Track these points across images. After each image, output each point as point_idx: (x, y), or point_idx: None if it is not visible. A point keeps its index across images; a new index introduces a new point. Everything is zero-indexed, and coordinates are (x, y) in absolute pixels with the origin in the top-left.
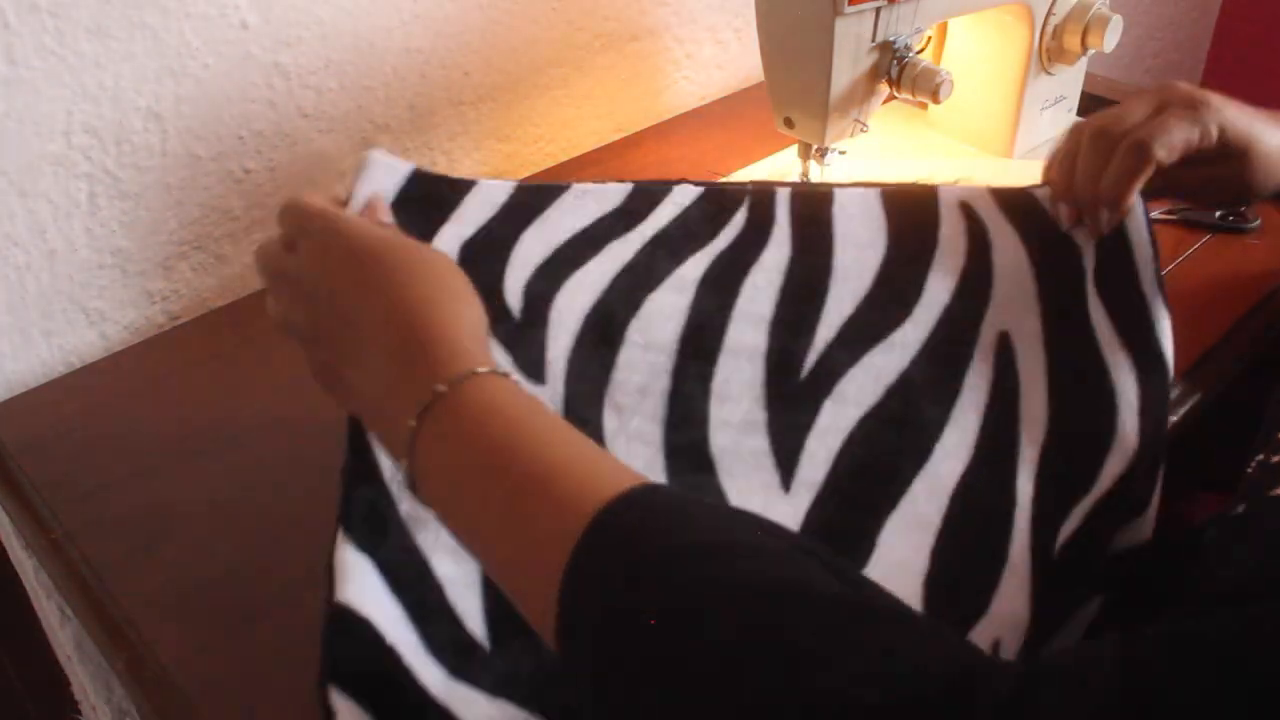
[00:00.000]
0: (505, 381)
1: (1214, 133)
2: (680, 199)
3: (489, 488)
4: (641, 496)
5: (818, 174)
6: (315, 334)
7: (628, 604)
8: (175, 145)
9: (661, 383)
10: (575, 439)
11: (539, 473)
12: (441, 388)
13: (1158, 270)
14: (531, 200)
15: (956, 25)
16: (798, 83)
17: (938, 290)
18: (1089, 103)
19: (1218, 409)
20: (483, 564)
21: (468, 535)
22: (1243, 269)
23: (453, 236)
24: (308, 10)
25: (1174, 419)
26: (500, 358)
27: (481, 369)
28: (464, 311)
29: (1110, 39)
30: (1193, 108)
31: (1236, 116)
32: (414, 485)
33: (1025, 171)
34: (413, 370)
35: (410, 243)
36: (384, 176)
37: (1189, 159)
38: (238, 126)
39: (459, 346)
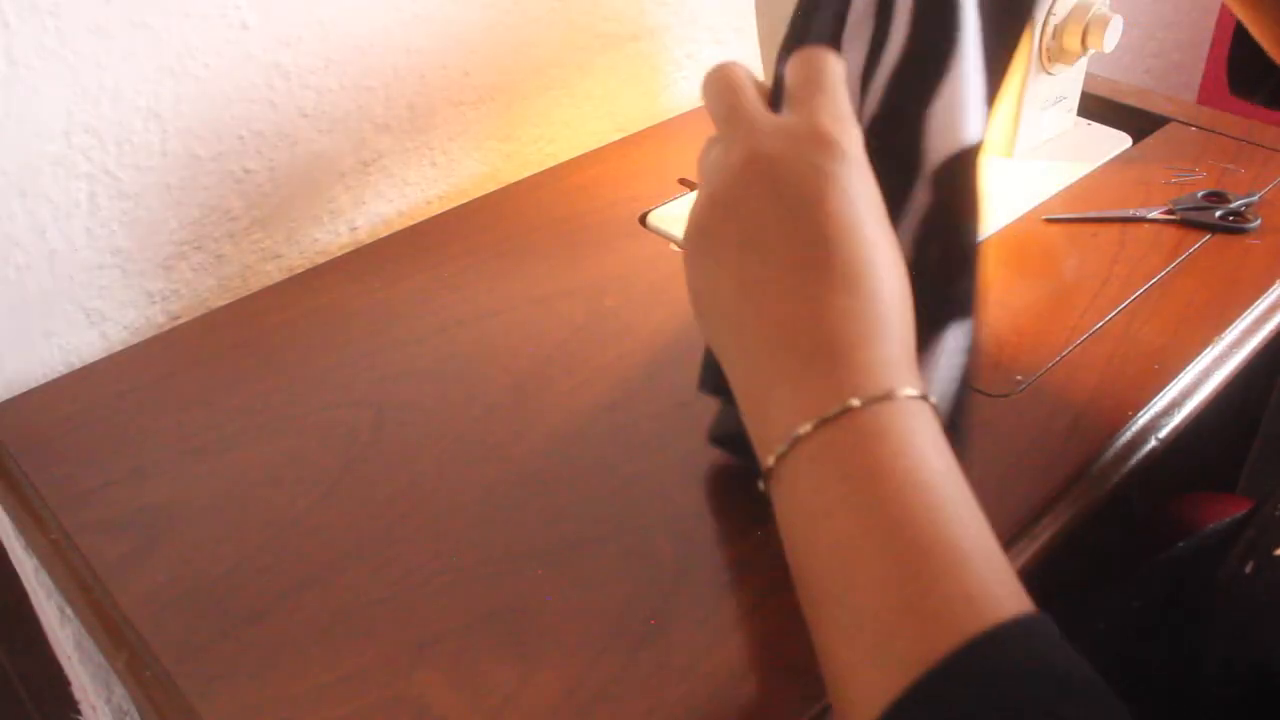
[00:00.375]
0: (927, 413)
1: None
2: None
3: (862, 540)
4: (1021, 632)
5: None
6: (712, 230)
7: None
8: (175, 145)
9: None
10: (976, 522)
11: (924, 552)
12: (855, 402)
13: None
14: None
15: None
16: None
17: None
18: (1089, 103)
19: (1217, 410)
20: (808, 603)
21: (811, 571)
22: (1243, 269)
23: None
24: (308, 10)
25: (1173, 420)
26: None
27: (907, 391)
28: (898, 306)
29: (1110, 39)
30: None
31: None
32: (767, 487)
33: (1025, 171)
34: (823, 364)
35: (855, 189)
36: None
37: None
38: (238, 126)
39: (887, 353)
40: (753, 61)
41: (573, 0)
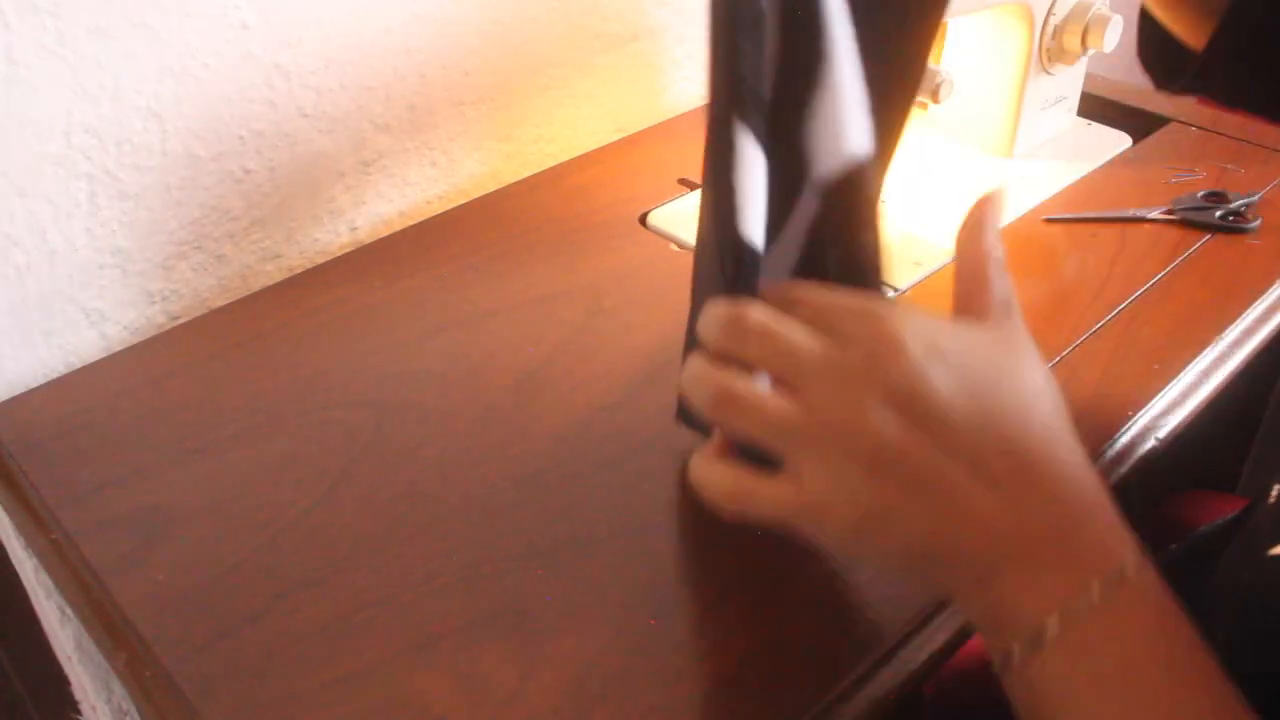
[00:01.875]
0: (1157, 587)
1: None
2: None
3: None
4: None
5: None
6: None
7: None
8: (175, 145)
9: None
10: (1213, 684)
11: None
12: (1095, 588)
13: None
14: None
15: (956, 25)
16: None
17: None
18: (1089, 103)
19: (1217, 410)
20: None
21: None
22: (1242, 269)
23: None
24: (308, 10)
25: (1173, 420)
26: None
27: (1132, 568)
28: (1085, 464)
29: (1110, 39)
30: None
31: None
32: (1011, 670)
33: (1025, 171)
34: (1069, 547)
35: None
36: None
37: None
38: (238, 126)
39: (1110, 523)
40: None
41: (573, 0)
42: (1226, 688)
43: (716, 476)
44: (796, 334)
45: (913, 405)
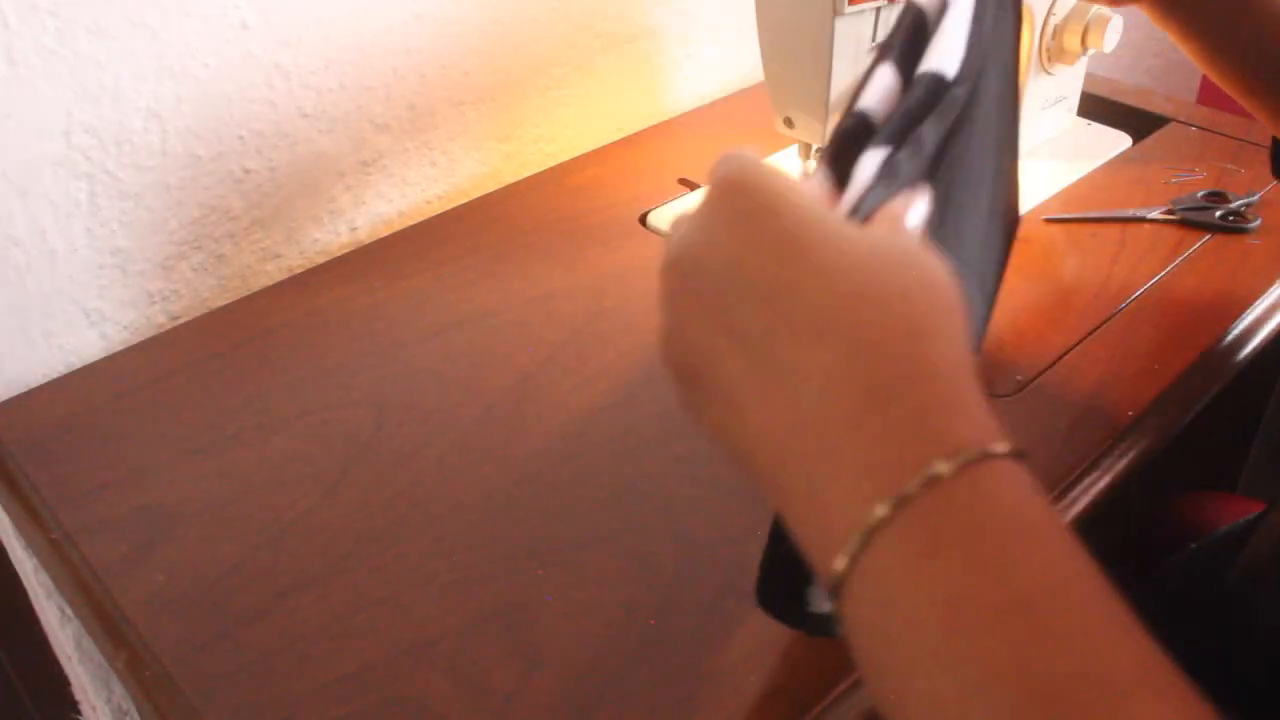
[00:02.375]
0: (1023, 472)
1: None
2: None
3: (977, 642)
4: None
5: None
6: (716, 349)
7: None
8: (175, 145)
9: None
10: (1097, 588)
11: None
12: (942, 467)
13: None
14: None
15: None
16: (798, 83)
17: None
18: (1089, 103)
19: (1217, 410)
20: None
21: (904, 685)
22: (1242, 269)
23: None
24: (308, 10)
25: (1173, 420)
26: None
27: (998, 448)
28: (963, 344)
29: (1110, 39)
30: None
31: None
32: (839, 597)
33: (1025, 171)
34: (893, 429)
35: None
36: None
37: None
38: (238, 126)
39: (968, 401)
40: (753, 61)
41: (573, 0)
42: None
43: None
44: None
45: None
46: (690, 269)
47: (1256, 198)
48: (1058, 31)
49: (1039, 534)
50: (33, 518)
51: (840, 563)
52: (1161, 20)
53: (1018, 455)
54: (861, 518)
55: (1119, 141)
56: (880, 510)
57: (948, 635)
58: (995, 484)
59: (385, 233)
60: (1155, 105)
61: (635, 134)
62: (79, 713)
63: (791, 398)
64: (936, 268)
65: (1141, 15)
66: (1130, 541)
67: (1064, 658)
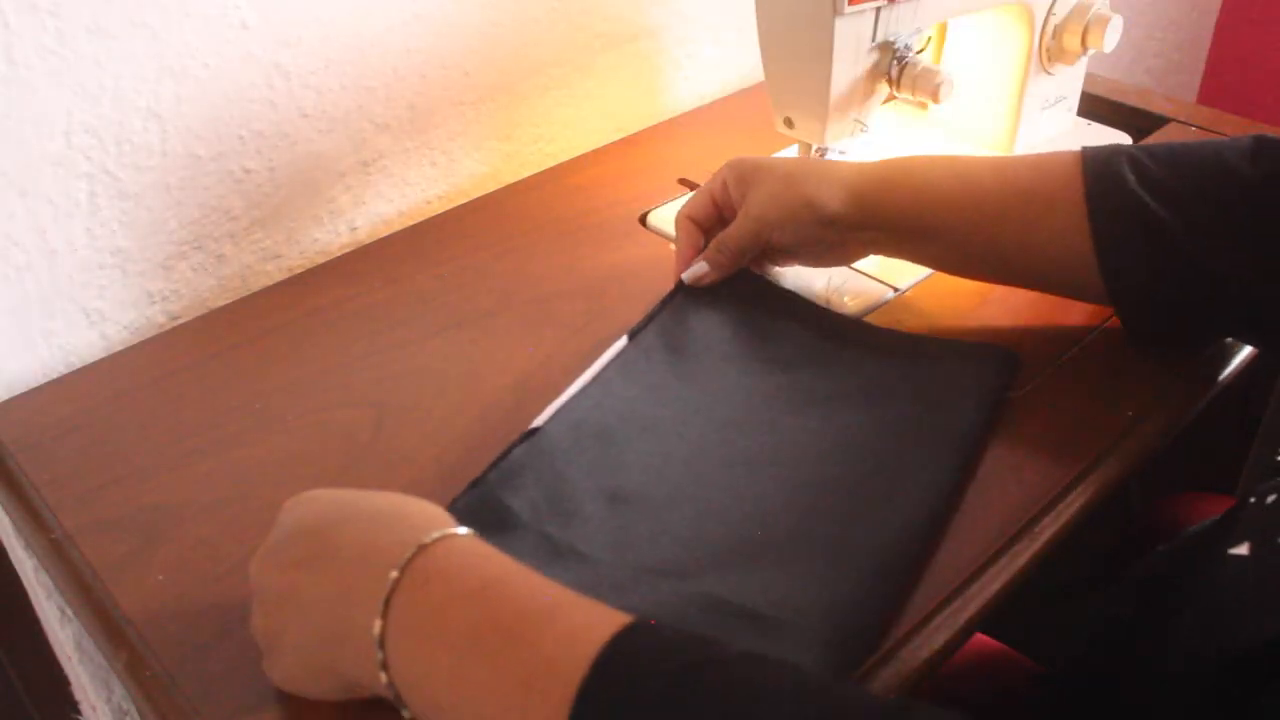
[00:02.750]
0: (471, 539)
1: (729, 177)
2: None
3: (471, 651)
4: (635, 633)
5: None
6: (265, 608)
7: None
8: (175, 145)
9: None
10: (550, 586)
11: (526, 619)
12: (410, 552)
13: None
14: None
15: (956, 25)
16: (798, 83)
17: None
18: (1089, 103)
19: (1215, 410)
20: None
21: (451, 699)
22: None
23: None
24: (308, 10)
25: (1173, 420)
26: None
27: (452, 530)
28: (410, 510)
29: (1110, 39)
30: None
31: (752, 157)
32: (394, 688)
33: None
34: (373, 559)
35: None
36: None
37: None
38: (238, 126)
39: (421, 518)
40: (753, 61)
41: (573, 0)
42: (540, 587)
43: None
44: None
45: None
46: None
47: None
48: (1058, 31)
49: (477, 572)
50: (33, 518)
51: (381, 675)
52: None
53: (466, 534)
54: (369, 634)
55: (1119, 141)
56: (373, 626)
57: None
58: (450, 550)
59: (385, 233)
60: (1155, 105)
61: (635, 134)
62: (79, 713)
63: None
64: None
65: (1141, 15)
66: (1131, 540)
67: (502, 606)
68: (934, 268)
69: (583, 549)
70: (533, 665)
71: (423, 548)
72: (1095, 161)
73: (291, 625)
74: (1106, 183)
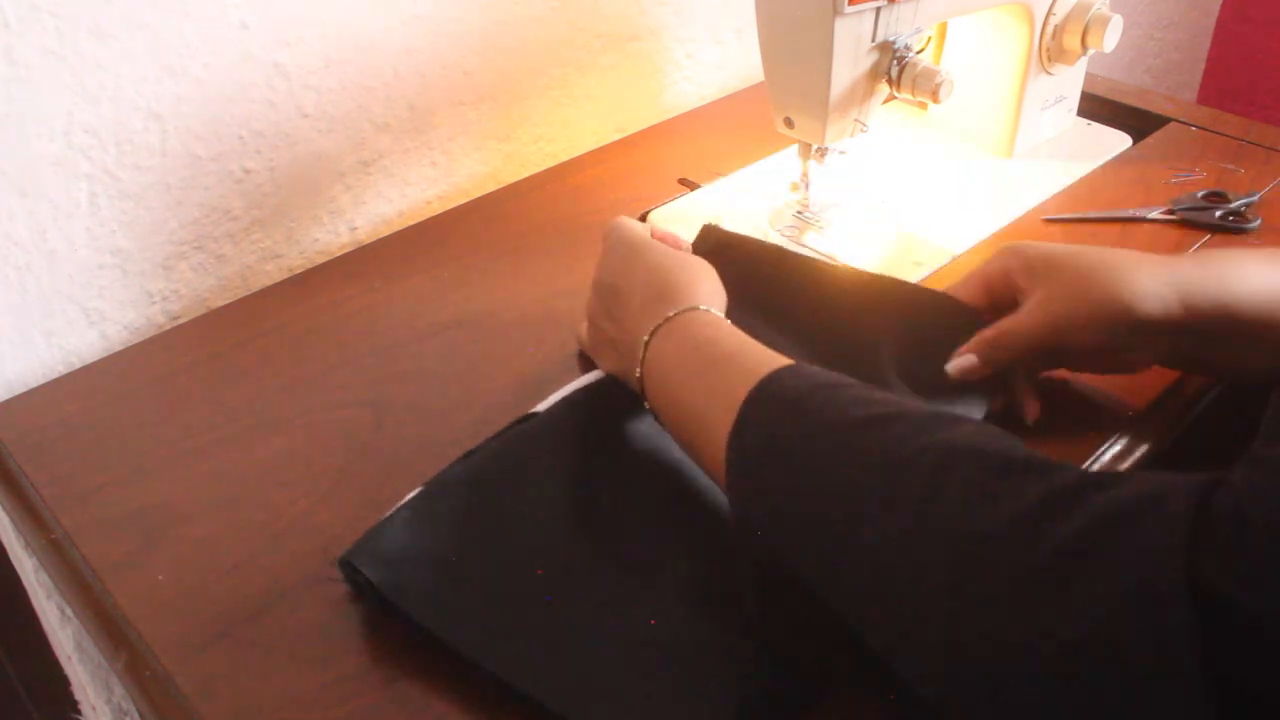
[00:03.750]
0: (705, 315)
1: (1012, 266)
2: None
3: (687, 374)
4: (789, 371)
5: (817, 173)
6: (601, 312)
7: (777, 430)
8: (175, 145)
9: None
10: (745, 342)
11: (717, 361)
12: (671, 313)
13: None
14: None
15: (956, 25)
16: (798, 83)
17: None
18: (1089, 103)
19: (1216, 410)
20: (681, 431)
21: (674, 412)
22: None
23: None
24: (308, 10)
25: (1173, 420)
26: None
27: (701, 307)
28: (703, 280)
29: (1110, 39)
30: (1000, 254)
31: (1039, 245)
32: (641, 387)
33: (1025, 171)
34: (654, 309)
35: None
36: None
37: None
38: (238, 126)
39: (690, 293)
40: (753, 61)
41: (572, 0)
42: (750, 346)
43: (580, 330)
44: None
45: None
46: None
47: (1256, 198)
48: (1058, 31)
49: (719, 328)
50: (33, 518)
51: (637, 370)
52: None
53: (709, 310)
54: (639, 350)
55: (1119, 141)
56: (646, 337)
57: (690, 371)
58: (692, 320)
59: (385, 233)
60: (1155, 105)
61: (635, 134)
62: (79, 713)
63: (618, 328)
64: (695, 260)
65: (1141, 15)
66: None
67: (715, 348)
68: (1243, 380)
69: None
70: (732, 382)
71: (682, 311)
72: None
73: (605, 322)
74: None
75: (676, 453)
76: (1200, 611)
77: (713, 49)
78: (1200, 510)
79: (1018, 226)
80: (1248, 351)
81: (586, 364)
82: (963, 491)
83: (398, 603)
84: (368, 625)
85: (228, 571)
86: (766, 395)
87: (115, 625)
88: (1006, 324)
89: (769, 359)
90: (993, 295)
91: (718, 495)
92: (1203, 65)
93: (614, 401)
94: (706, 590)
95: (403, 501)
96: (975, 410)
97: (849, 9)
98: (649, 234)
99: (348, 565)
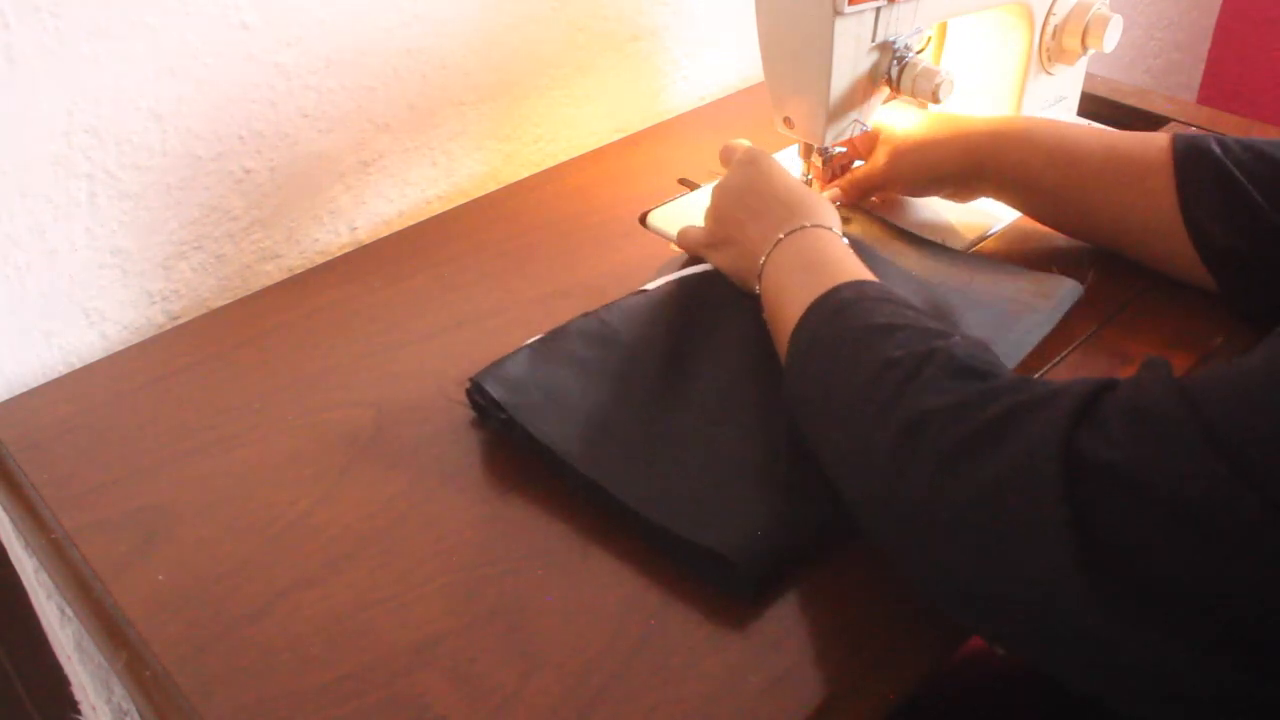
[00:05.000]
0: (825, 231)
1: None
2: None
3: (793, 274)
4: (850, 285)
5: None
6: (735, 210)
7: (820, 331)
8: (175, 145)
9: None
10: (844, 257)
11: (815, 267)
12: (800, 225)
13: None
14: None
15: (956, 25)
16: (798, 83)
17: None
18: (1089, 103)
19: None
20: (774, 319)
21: (773, 303)
22: None
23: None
24: (308, 10)
25: None
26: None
27: (818, 224)
28: (827, 207)
29: (1110, 39)
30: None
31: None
32: (760, 275)
33: None
34: (780, 224)
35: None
36: None
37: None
38: (238, 126)
39: (811, 214)
40: (753, 61)
41: (572, 0)
42: (852, 264)
43: (681, 231)
44: None
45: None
46: (724, 188)
47: None
48: (1058, 31)
49: (830, 244)
50: (33, 518)
51: (761, 266)
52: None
53: (825, 228)
54: (765, 251)
55: None
56: (773, 242)
57: (795, 271)
58: (807, 233)
59: (385, 233)
60: (1155, 105)
61: (635, 134)
62: (79, 713)
63: (748, 233)
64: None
65: (1141, 15)
66: None
67: (815, 255)
68: (1035, 219)
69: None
70: (812, 287)
71: (802, 228)
72: (1184, 138)
73: (734, 240)
74: (1195, 154)
75: (756, 340)
76: (1069, 470)
77: (712, 49)
78: (1090, 399)
79: (1018, 226)
80: (1031, 197)
81: None
82: (923, 385)
83: (514, 416)
84: (368, 625)
85: (228, 571)
86: (825, 302)
87: (115, 625)
88: (860, 171)
89: (848, 273)
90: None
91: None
92: (1203, 65)
93: (713, 290)
94: (763, 437)
95: (525, 343)
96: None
97: (849, 9)
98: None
99: (476, 387)
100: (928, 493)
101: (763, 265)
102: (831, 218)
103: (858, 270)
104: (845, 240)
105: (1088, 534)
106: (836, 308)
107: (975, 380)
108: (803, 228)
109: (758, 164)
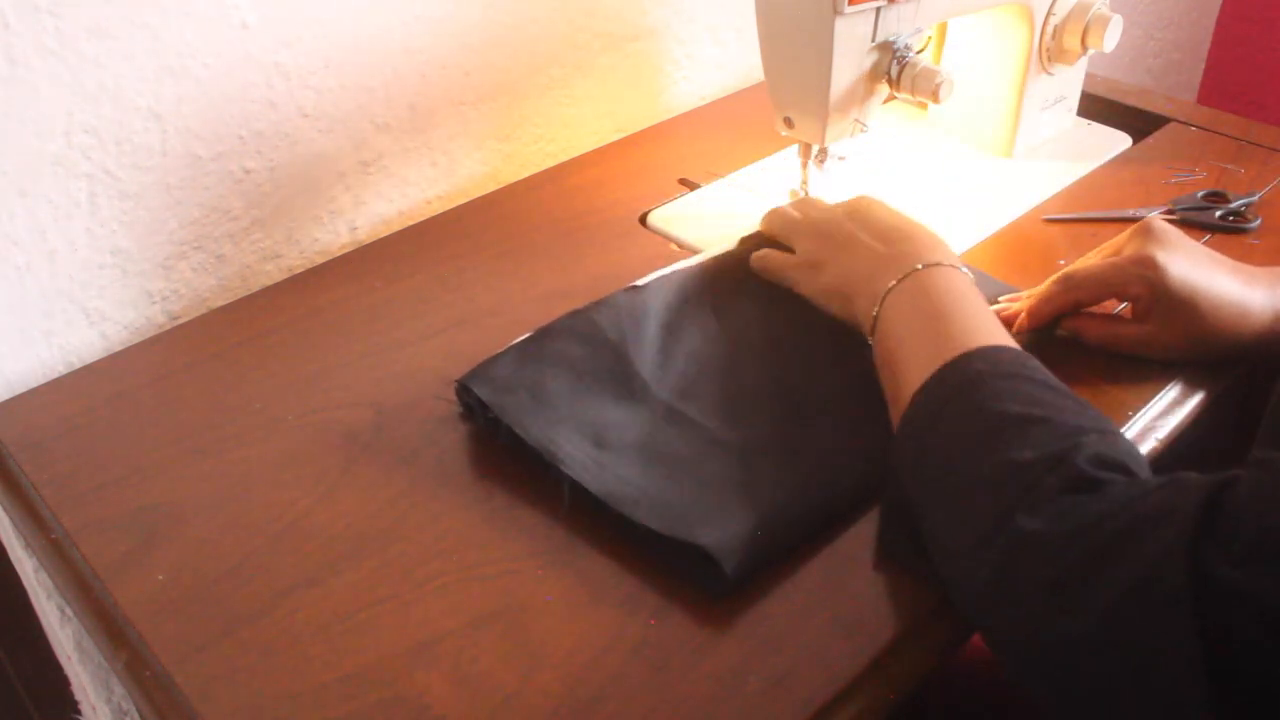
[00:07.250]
0: (954, 272)
1: (1144, 292)
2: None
3: (915, 320)
4: (981, 353)
5: (816, 177)
6: (833, 235)
7: (946, 408)
8: (175, 145)
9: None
10: (975, 310)
11: (943, 318)
12: (919, 266)
13: None
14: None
15: (956, 25)
16: (797, 83)
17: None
18: (1089, 103)
19: (1217, 410)
20: (888, 362)
21: (890, 350)
22: None
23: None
24: (308, 10)
25: (1173, 420)
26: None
27: (945, 263)
28: (941, 240)
29: (1110, 39)
30: (1138, 263)
31: (1180, 275)
32: (873, 328)
33: (1025, 171)
34: (903, 257)
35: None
36: None
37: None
38: (238, 126)
39: (935, 250)
40: (753, 61)
41: (572, 0)
42: (981, 314)
43: (762, 254)
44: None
45: (841, 212)
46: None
47: (1256, 198)
48: (1058, 31)
49: (955, 289)
50: (33, 518)
51: (874, 311)
52: None
53: (953, 267)
54: (881, 291)
55: (1119, 141)
56: (891, 283)
57: (920, 319)
58: (934, 274)
59: (385, 233)
60: (1155, 105)
61: (635, 134)
62: (79, 713)
63: (858, 261)
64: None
65: (1141, 15)
66: None
67: (940, 305)
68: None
69: (645, 375)
70: (939, 345)
71: (925, 265)
72: None
73: (839, 262)
74: None
75: (747, 339)
76: (1198, 596)
77: (712, 49)
78: (1208, 510)
79: (1018, 226)
80: None
81: None
82: (1038, 498)
83: (500, 416)
84: (368, 625)
85: (228, 571)
86: (955, 371)
87: (115, 625)
88: (1126, 329)
89: (980, 331)
90: (1111, 291)
91: (769, 382)
92: (1203, 65)
93: (704, 287)
94: (752, 436)
95: (513, 342)
96: None
97: (849, 9)
98: None
99: (463, 387)
100: (1031, 632)
101: (882, 299)
102: (954, 254)
103: (989, 326)
104: (971, 277)
105: (1221, 662)
106: (968, 381)
107: (1092, 496)
108: (929, 265)
109: (869, 196)
